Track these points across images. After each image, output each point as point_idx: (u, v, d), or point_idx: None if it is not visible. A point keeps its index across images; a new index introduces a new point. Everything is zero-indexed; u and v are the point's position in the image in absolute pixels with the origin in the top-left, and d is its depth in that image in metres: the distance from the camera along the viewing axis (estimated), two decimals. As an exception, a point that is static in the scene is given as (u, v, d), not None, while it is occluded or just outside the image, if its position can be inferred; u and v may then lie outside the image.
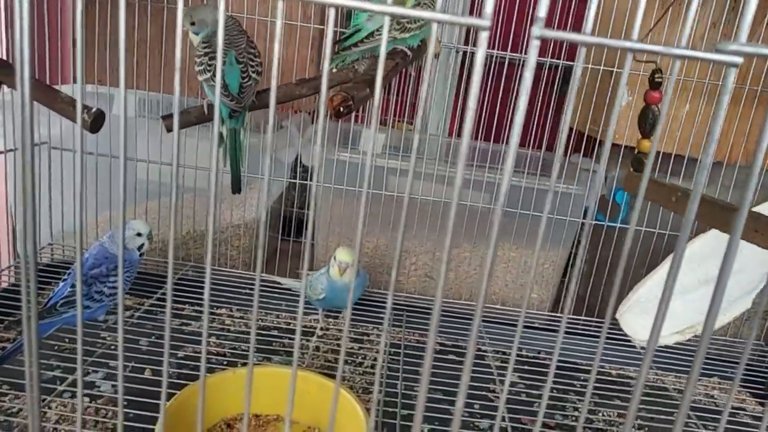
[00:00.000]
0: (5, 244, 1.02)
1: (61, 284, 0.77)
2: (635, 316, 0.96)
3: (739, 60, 0.24)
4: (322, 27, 0.98)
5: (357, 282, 0.89)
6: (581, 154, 1.14)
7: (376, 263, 1.07)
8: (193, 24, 0.77)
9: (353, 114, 1.18)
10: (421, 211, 1.03)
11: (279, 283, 0.99)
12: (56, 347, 0.81)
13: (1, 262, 0.99)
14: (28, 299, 0.29)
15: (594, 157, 1.09)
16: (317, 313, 0.95)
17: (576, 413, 0.82)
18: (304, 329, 0.92)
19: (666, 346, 0.96)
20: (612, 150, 1.02)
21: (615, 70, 0.98)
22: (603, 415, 0.82)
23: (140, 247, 0.82)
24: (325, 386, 0.67)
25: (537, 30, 0.25)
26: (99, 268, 0.77)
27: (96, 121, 0.52)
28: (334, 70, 0.84)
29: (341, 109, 0.66)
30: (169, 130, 0.77)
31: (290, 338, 0.90)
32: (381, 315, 0.99)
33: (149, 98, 1.09)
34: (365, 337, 0.94)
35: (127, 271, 0.80)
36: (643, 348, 0.97)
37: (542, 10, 0.25)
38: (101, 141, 0.99)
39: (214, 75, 0.71)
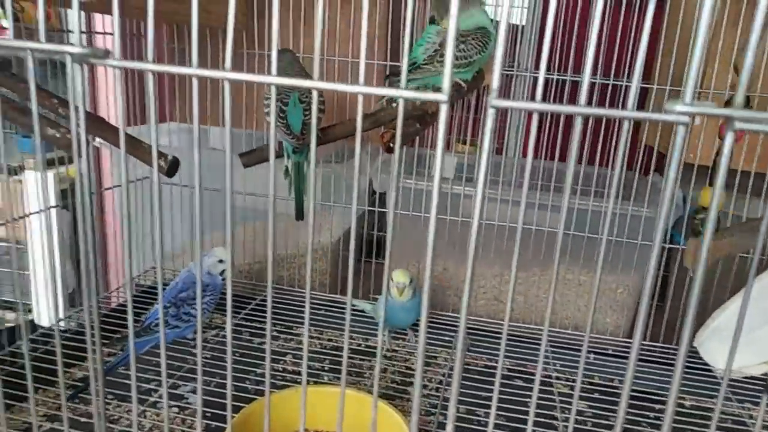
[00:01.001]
0: (120, 265, 1.16)
1: (157, 306, 0.86)
2: (716, 343, 0.91)
3: (686, 120, 0.26)
4: (385, 63, 1.03)
5: (415, 302, 0.92)
6: (654, 172, 1.11)
7: (444, 286, 1.09)
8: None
9: (422, 136, 1.21)
10: (488, 233, 1.04)
11: (354, 305, 1.04)
12: (153, 362, 0.91)
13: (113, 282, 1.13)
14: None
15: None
16: (384, 334, 0.99)
17: (644, 444, 0.80)
18: (370, 350, 0.96)
19: (753, 377, 0.90)
20: (687, 169, 0.98)
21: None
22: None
23: (222, 272, 0.90)
24: (380, 409, 0.71)
25: (492, 101, 0.28)
26: (187, 292, 0.86)
27: (171, 168, 0.60)
28: (394, 105, 0.88)
29: (391, 144, 0.71)
30: (246, 166, 0.85)
31: (361, 358, 0.94)
32: (446, 336, 1.01)
33: (234, 133, 1.20)
34: (432, 360, 0.97)
35: (211, 294, 0.89)
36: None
37: (495, 82, 0.28)
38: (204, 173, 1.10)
39: (279, 116, 0.78)
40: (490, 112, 0.27)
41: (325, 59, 1.04)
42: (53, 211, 0.96)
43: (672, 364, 0.96)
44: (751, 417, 0.89)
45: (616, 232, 1.00)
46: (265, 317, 1.04)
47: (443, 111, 0.28)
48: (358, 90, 0.30)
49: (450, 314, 1.07)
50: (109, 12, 0.79)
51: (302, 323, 1.04)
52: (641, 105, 1.24)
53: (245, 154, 0.86)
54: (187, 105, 1.09)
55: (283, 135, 0.78)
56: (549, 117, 1.21)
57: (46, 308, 1.10)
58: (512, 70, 1.37)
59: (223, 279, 0.91)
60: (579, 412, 0.86)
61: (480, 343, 1.01)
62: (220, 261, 0.90)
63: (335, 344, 1.00)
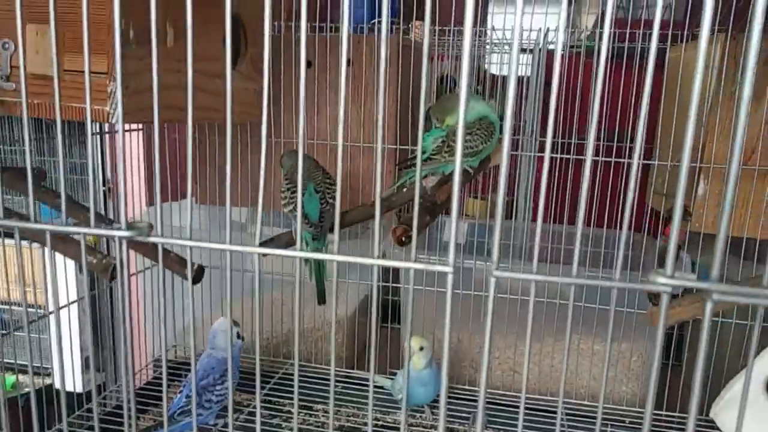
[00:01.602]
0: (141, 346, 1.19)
1: (178, 395, 0.89)
2: (732, 414, 0.91)
3: (668, 289, 0.28)
4: (395, 146, 1.08)
5: (432, 374, 0.93)
6: (661, 235, 1.12)
7: (459, 357, 1.11)
8: (282, 166, 0.91)
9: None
10: (501, 303, 1.06)
11: (375, 381, 1.06)
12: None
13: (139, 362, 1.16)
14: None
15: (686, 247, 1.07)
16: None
17: None
18: (388, 429, 0.97)
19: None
20: (695, 236, 1.00)
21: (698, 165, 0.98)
22: None
23: (238, 336, 0.93)
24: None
25: (493, 271, 0.31)
26: (207, 379, 0.88)
27: (197, 276, 0.63)
28: (404, 190, 0.92)
29: (403, 239, 0.74)
30: (264, 255, 0.89)
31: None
32: (462, 411, 1.01)
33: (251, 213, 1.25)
34: (450, 434, 0.98)
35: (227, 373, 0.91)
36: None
37: (494, 253, 0.31)
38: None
39: (296, 208, 0.83)
40: (492, 281, 0.31)
41: (337, 144, 1.09)
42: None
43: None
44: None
45: (627, 300, 1.01)
46: (284, 395, 1.06)
47: (449, 281, 0.31)
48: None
49: (466, 387, 1.08)
50: (146, 120, 0.84)
51: (322, 401, 1.06)
52: (645, 168, 1.27)
53: (264, 243, 0.89)
54: (208, 185, 1.14)
55: (301, 224, 0.82)
56: (557, 174, 1.24)
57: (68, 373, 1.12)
58: (518, 135, 1.41)
59: (242, 339, 0.94)
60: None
61: (496, 416, 1.01)
62: (238, 334, 0.93)
63: (353, 425, 1.01)
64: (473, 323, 1.09)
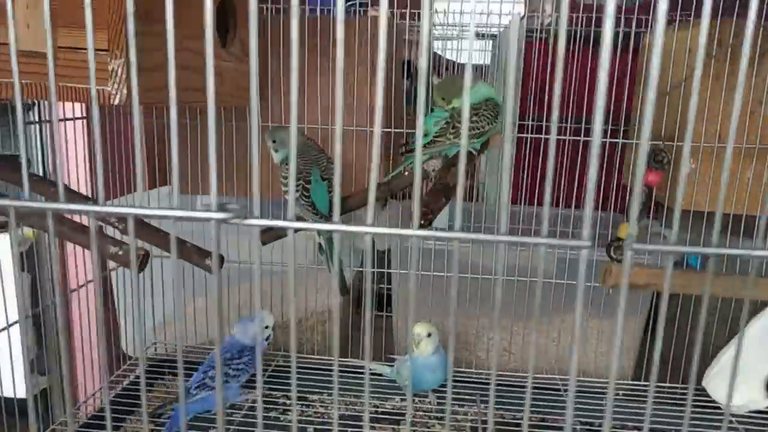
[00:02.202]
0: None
1: (195, 374, 0.89)
2: (723, 381, 0.95)
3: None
4: (389, 130, 1.06)
5: (440, 361, 0.93)
6: (650, 218, 1.16)
7: (457, 341, 1.11)
8: (274, 142, 0.86)
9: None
10: (494, 286, 1.07)
11: (371, 369, 1.04)
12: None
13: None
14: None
15: (663, 221, 1.11)
16: (398, 397, 0.99)
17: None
18: (389, 416, 0.96)
19: (761, 411, 0.94)
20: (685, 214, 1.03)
21: (675, 144, 1.01)
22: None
23: (267, 338, 0.94)
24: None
25: (632, 245, 0.30)
26: (224, 354, 0.89)
27: (220, 266, 0.60)
28: (406, 173, 0.91)
29: (422, 222, 0.73)
30: (264, 244, 0.85)
31: (382, 427, 0.94)
32: (462, 393, 1.02)
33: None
34: (454, 420, 0.98)
35: (249, 355, 0.91)
36: (734, 415, 0.96)
37: (632, 227, 0.30)
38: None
39: (303, 195, 0.79)
40: (628, 254, 0.30)
41: (328, 129, 1.06)
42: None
43: (681, 404, 1.00)
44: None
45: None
46: (279, 387, 1.03)
47: (584, 256, 0.30)
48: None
49: (464, 370, 1.08)
50: (152, 101, 0.78)
51: (318, 391, 1.03)
52: (622, 149, 1.30)
53: (263, 232, 0.86)
54: (189, 174, 1.08)
55: (309, 214, 0.79)
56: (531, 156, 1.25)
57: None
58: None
59: (269, 343, 0.94)
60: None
61: (486, 396, 1.02)
62: (266, 327, 0.92)
63: (353, 413, 0.99)
64: (471, 307, 1.08)
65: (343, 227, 0.36)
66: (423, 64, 0.29)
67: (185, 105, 0.91)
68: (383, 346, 1.15)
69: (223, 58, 0.86)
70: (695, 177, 1.00)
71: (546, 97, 1.21)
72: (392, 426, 0.95)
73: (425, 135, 0.87)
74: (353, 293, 1.25)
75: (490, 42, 1.60)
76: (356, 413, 0.99)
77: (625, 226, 0.92)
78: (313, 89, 1.04)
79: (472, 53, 0.34)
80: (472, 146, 0.86)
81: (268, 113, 1.05)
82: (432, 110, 0.90)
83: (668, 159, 0.94)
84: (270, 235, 0.86)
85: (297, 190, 0.81)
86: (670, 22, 1.16)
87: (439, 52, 1.62)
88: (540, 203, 1.20)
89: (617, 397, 1.03)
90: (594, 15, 1.32)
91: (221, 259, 0.61)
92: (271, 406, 0.99)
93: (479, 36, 1.57)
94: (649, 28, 1.16)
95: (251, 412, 0.95)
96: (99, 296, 0.73)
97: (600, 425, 0.96)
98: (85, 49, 0.60)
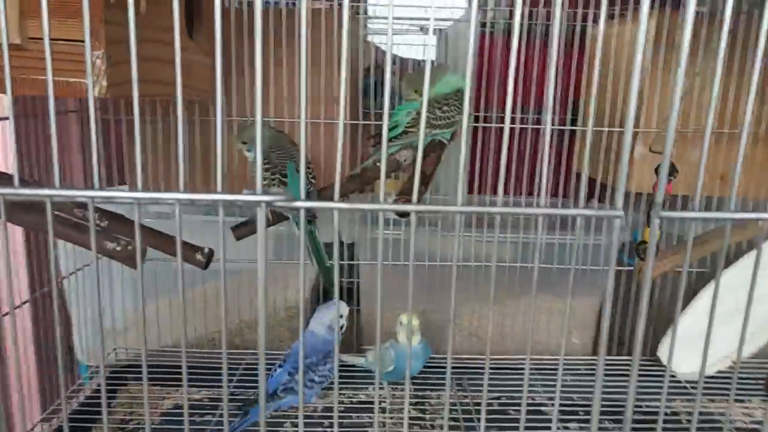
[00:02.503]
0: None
1: (279, 370, 0.85)
2: (677, 350, 1.02)
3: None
4: (356, 122, 1.07)
5: (423, 348, 0.95)
6: (597, 200, 1.22)
7: (428, 328, 1.13)
8: (245, 143, 0.85)
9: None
10: (459, 274, 1.10)
11: (344, 361, 1.04)
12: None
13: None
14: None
15: (612, 203, 1.17)
16: (373, 387, 1.00)
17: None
18: (364, 406, 0.97)
19: (708, 376, 1.02)
20: (628, 195, 1.10)
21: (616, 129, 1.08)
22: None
23: (342, 327, 0.89)
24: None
25: (660, 213, 0.32)
26: (311, 358, 0.85)
27: (209, 260, 0.59)
28: (378, 164, 0.92)
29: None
30: (238, 239, 0.84)
31: (358, 416, 0.95)
32: (432, 379, 1.04)
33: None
34: (427, 402, 1.00)
35: (331, 359, 0.87)
36: (688, 381, 1.04)
37: (660, 197, 0.32)
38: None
39: (281, 186, 0.78)
40: (656, 222, 0.32)
41: (295, 121, 1.05)
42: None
43: (643, 375, 1.06)
44: (710, 411, 1.00)
45: (575, 261, 1.09)
46: (252, 387, 1.01)
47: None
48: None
49: (432, 356, 1.11)
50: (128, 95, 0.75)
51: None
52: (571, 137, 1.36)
53: (237, 227, 0.84)
54: (149, 171, 1.05)
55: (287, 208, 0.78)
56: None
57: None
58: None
59: (342, 333, 0.90)
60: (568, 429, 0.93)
61: (461, 380, 1.05)
62: (341, 316, 0.88)
63: (327, 404, 0.99)
64: (438, 294, 1.11)
65: (308, 204, 0.37)
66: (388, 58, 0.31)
67: (154, 98, 0.88)
68: (354, 339, 1.16)
69: (191, 50, 0.84)
70: (643, 161, 1.07)
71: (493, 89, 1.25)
72: (368, 414, 0.96)
73: (397, 126, 0.88)
74: (321, 288, 1.25)
75: (435, 37, 1.63)
76: (329, 404, 1.00)
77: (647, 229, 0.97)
78: (279, 81, 1.03)
79: (430, 47, 0.36)
80: (443, 135, 0.88)
81: (232, 107, 1.03)
82: (400, 101, 0.92)
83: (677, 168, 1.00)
84: (244, 230, 0.85)
85: (274, 184, 0.80)
86: (613, 15, 1.22)
87: (383, 47, 1.64)
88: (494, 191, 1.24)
89: (579, 372, 1.09)
90: (534, 8, 1.37)
91: (211, 254, 0.60)
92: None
93: (425, 31, 1.59)
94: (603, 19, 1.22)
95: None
96: (57, 302, 0.69)
97: (571, 402, 1.01)
98: (63, 40, 0.57)
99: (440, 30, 1.57)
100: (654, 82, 1.05)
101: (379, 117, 1.13)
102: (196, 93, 0.89)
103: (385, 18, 1.44)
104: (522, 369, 1.08)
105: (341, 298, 1.31)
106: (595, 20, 1.23)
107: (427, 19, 1.39)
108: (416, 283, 1.08)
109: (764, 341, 1.02)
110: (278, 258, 1.12)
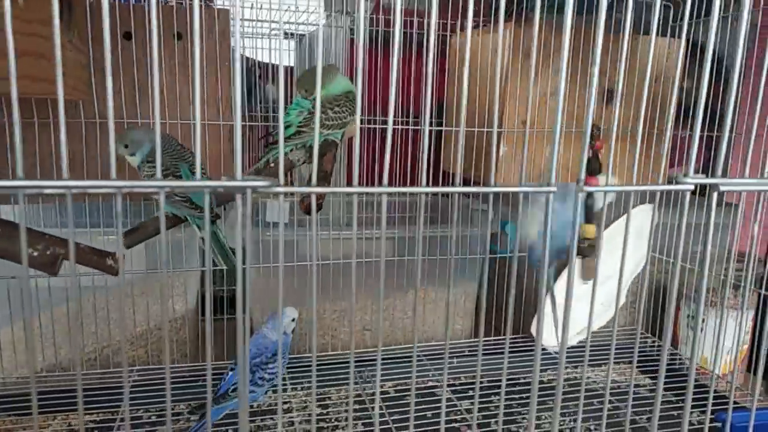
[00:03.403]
0: None
1: (231, 373, 0.87)
2: (545, 326, 1.15)
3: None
4: (243, 123, 1.05)
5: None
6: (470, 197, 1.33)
7: (316, 327, 1.15)
8: (126, 147, 0.80)
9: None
10: (345, 271, 1.13)
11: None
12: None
13: None
14: None
15: (480, 198, 1.28)
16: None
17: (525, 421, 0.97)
18: (268, 408, 0.97)
19: (573, 346, 1.16)
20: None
21: (486, 129, 1.18)
22: (547, 418, 0.99)
23: (293, 331, 0.93)
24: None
25: (583, 187, 0.38)
26: (260, 357, 0.87)
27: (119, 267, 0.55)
28: (271, 165, 0.92)
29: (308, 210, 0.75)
30: (129, 247, 0.79)
31: (270, 418, 0.94)
32: (335, 375, 1.06)
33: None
34: (329, 400, 1.02)
35: (283, 357, 0.91)
36: (557, 353, 1.16)
37: (582, 174, 0.38)
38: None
39: (174, 191, 0.76)
40: (581, 196, 0.38)
41: (167, 123, 1.01)
42: None
43: (522, 351, 1.17)
44: (577, 377, 1.14)
45: (451, 250, 1.18)
46: (143, 403, 0.96)
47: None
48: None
49: (320, 354, 1.12)
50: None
51: (183, 399, 0.99)
52: (438, 138, 1.46)
53: (128, 233, 0.80)
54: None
55: (186, 210, 0.75)
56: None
57: None
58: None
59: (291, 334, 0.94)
60: (468, 410, 1.00)
61: (362, 372, 1.09)
62: (293, 320, 0.92)
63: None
64: (322, 293, 1.13)
65: (287, 189, 0.37)
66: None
67: (32, 97, 0.80)
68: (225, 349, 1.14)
69: (67, 47, 0.78)
70: (507, 158, 1.19)
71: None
72: (256, 417, 0.95)
73: (290, 126, 0.89)
74: (197, 299, 1.21)
75: (294, 41, 1.64)
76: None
77: (589, 226, 1.03)
78: (145, 81, 0.99)
79: (322, 51, 0.39)
80: (334, 136, 0.90)
81: (104, 108, 0.97)
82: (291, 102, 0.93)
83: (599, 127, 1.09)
84: (135, 237, 0.80)
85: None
86: (477, 25, 1.34)
87: (249, 53, 1.62)
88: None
89: (462, 353, 1.17)
90: (390, 17, 1.45)
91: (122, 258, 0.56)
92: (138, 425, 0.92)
93: (287, 35, 1.60)
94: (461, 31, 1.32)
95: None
96: None
97: (460, 382, 1.09)
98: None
99: (300, 35, 1.59)
100: (514, 86, 1.17)
101: (265, 119, 1.13)
102: (70, 92, 0.83)
103: (250, 20, 1.43)
104: (409, 357, 1.14)
105: (222, 305, 1.28)
106: (458, 29, 1.34)
107: (291, 23, 1.42)
108: (308, 283, 1.10)
109: (616, 310, 1.18)
110: (163, 268, 1.06)
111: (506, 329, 0.39)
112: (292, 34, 1.63)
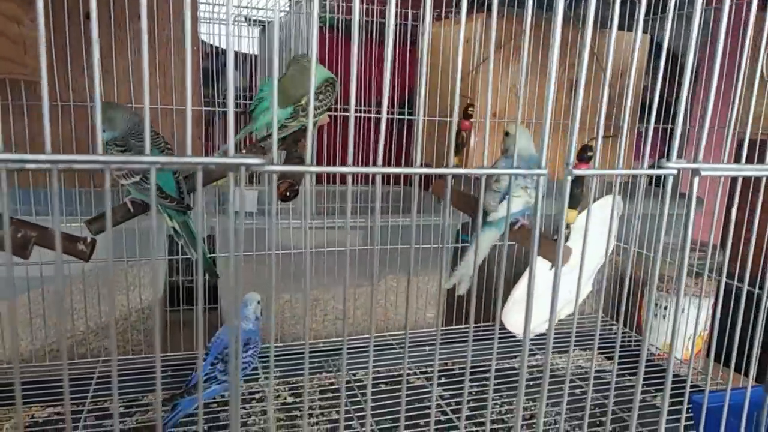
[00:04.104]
0: None
1: (204, 363, 0.83)
2: (515, 314, 1.16)
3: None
4: (199, 108, 1.03)
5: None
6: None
7: (287, 316, 1.13)
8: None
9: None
10: (318, 259, 1.12)
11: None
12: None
13: None
14: None
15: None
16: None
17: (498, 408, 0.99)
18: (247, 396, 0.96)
19: (541, 334, 1.18)
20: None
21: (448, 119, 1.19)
22: (513, 404, 1.00)
23: (261, 313, 0.92)
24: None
25: (573, 171, 0.38)
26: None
27: (92, 251, 0.53)
28: (243, 151, 0.90)
29: (287, 193, 0.74)
30: (96, 234, 0.76)
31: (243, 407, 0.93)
32: (291, 366, 1.05)
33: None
34: (302, 389, 1.01)
35: (254, 347, 0.89)
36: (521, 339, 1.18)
37: (571, 157, 0.38)
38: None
39: (144, 179, 0.73)
40: (568, 179, 0.38)
41: (132, 107, 0.98)
42: None
43: (484, 339, 1.19)
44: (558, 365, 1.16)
45: (422, 240, 1.18)
46: (108, 396, 0.93)
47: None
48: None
49: (292, 344, 1.11)
50: None
51: (147, 391, 0.96)
52: (408, 127, 1.46)
53: (93, 221, 0.77)
54: None
55: (158, 200, 0.73)
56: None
57: None
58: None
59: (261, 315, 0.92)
60: (440, 396, 1.01)
61: (336, 361, 1.08)
62: (258, 302, 0.91)
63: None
64: (295, 282, 1.12)
65: (279, 168, 0.37)
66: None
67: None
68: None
69: (27, 26, 0.75)
70: (478, 149, 1.19)
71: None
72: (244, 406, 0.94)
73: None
74: (166, 289, 1.18)
75: (258, 29, 1.61)
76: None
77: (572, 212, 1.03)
78: (122, 63, 0.96)
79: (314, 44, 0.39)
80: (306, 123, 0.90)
81: (68, 93, 0.93)
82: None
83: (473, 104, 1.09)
84: (101, 223, 0.78)
85: (136, 173, 0.74)
86: (441, 17, 1.34)
87: (204, 38, 1.58)
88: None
89: (433, 342, 1.18)
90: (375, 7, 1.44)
91: (94, 244, 0.54)
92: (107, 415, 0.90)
93: (249, 22, 1.57)
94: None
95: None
96: None
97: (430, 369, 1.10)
98: None
99: (263, 23, 1.55)
100: (486, 77, 1.17)
101: (223, 104, 1.10)
102: (30, 71, 0.79)
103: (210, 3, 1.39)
104: (388, 345, 1.14)
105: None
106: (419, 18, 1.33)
107: (256, 9, 1.40)
108: (276, 273, 1.09)
109: (583, 297, 1.21)
110: (129, 256, 1.04)
111: (470, 318, 0.39)
112: (256, 21, 1.60)
